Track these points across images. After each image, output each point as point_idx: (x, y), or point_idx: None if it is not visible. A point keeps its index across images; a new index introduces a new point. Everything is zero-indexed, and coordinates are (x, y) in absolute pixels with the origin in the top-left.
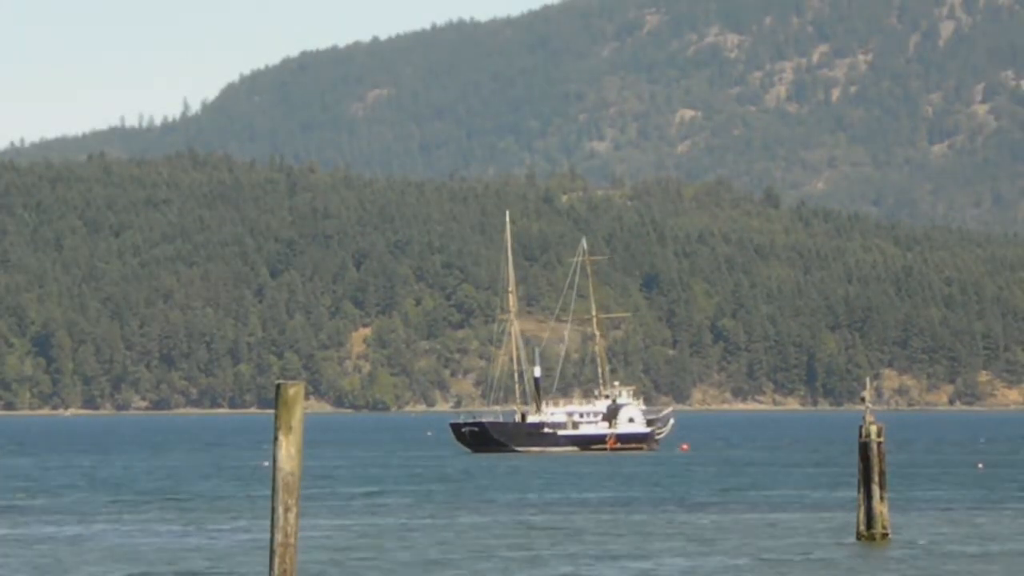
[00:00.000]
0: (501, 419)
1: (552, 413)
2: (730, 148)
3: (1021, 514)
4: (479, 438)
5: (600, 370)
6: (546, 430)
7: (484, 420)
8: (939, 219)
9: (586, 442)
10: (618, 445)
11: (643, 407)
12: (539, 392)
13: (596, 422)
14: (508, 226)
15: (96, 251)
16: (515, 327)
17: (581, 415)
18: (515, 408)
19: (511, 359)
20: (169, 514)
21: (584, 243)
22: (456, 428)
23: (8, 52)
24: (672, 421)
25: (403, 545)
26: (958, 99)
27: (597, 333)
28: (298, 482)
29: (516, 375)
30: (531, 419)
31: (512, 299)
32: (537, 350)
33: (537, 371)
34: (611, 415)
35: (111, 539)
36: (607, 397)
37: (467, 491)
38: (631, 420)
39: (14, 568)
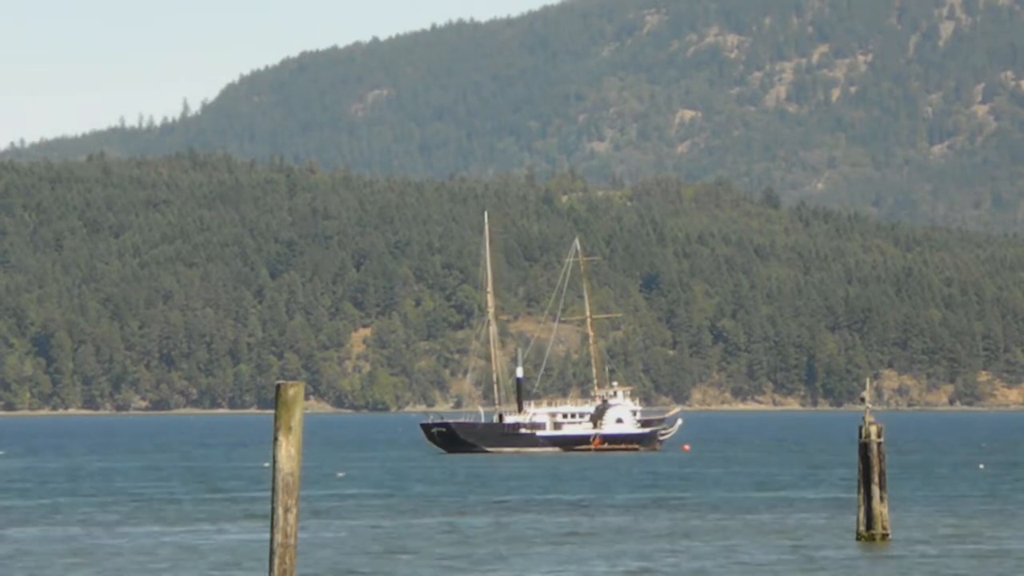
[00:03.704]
0: (483, 419)
1: (534, 414)
2: (730, 149)
3: (1020, 514)
4: (447, 439)
5: (595, 370)
6: (523, 431)
7: (450, 421)
8: (939, 220)
9: (569, 443)
10: (604, 446)
11: (635, 407)
12: (520, 393)
13: (581, 423)
14: (487, 227)
15: (96, 252)
16: (493, 328)
17: (565, 416)
18: (496, 409)
19: (491, 359)
20: None
21: (577, 243)
22: (426, 429)
23: (8, 52)
24: (680, 422)
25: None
26: (958, 99)
27: (591, 333)
28: (298, 483)
29: (495, 376)
30: (508, 420)
31: (491, 300)
32: (520, 351)
33: (519, 372)
34: (597, 416)
35: None
36: (602, 398)
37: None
38: (619, 421)
39: None
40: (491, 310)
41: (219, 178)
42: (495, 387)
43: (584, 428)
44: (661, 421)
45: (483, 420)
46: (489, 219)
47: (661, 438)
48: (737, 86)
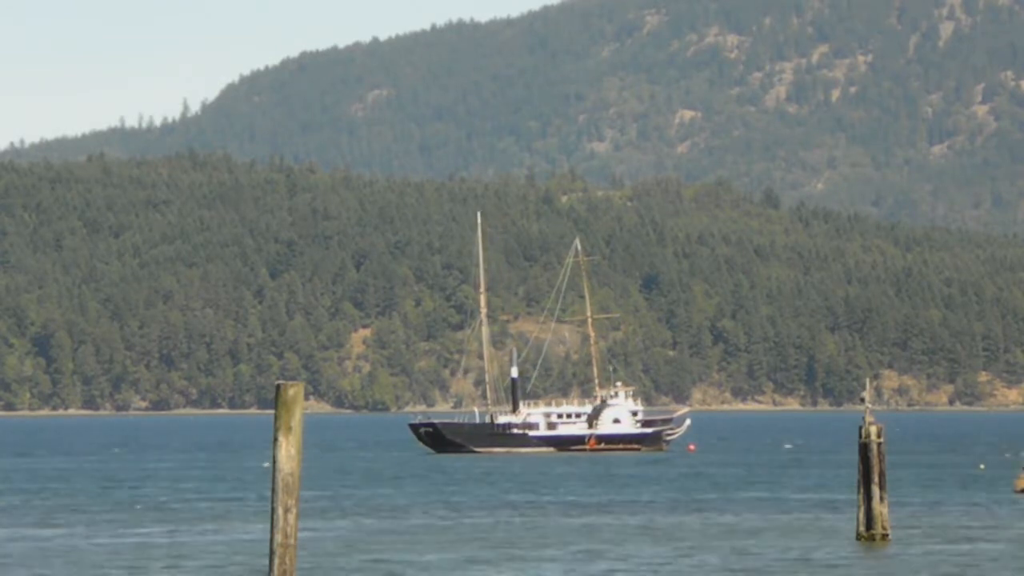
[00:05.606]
0: (477, 419)
1: (528, 414)
2: (730, 149)
3: (1018, 513)
4: (434, 439)
5: (596, 370)
6: (515, 431)
7: (437, 421)
8: (939, 220)
9: (563, 443)
10: (600, 446)
11: (636, 408)
12: (516, 392)
13: (577, 423)
14: (480, 226)
15: (96, 252)
16: (485, 328)
17: (560, 416)
18: (489, 409)
19: (485, 359)
20: None
21: (577, 243)
22: (415, 429)
23: (8, 52)
24: (688, 422)
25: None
26: (958, 100)
27: (592, 333)
28: (298, 483)
29: (488, 376)
30: (500, 420)
31: (484, 299)
32: (515, 351)
33: (514, 372)
34: (594, 416)
35: None
36: (603, 398)
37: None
38: (616, 421)
39: None
40: (484, 310)
41: (219, 178)
42: (488, 387)
43: (579, 428)
44: (667, 421)
45: (477, 420)
46: (484, 219)
47: (667, 438)
48: (737, 86)
